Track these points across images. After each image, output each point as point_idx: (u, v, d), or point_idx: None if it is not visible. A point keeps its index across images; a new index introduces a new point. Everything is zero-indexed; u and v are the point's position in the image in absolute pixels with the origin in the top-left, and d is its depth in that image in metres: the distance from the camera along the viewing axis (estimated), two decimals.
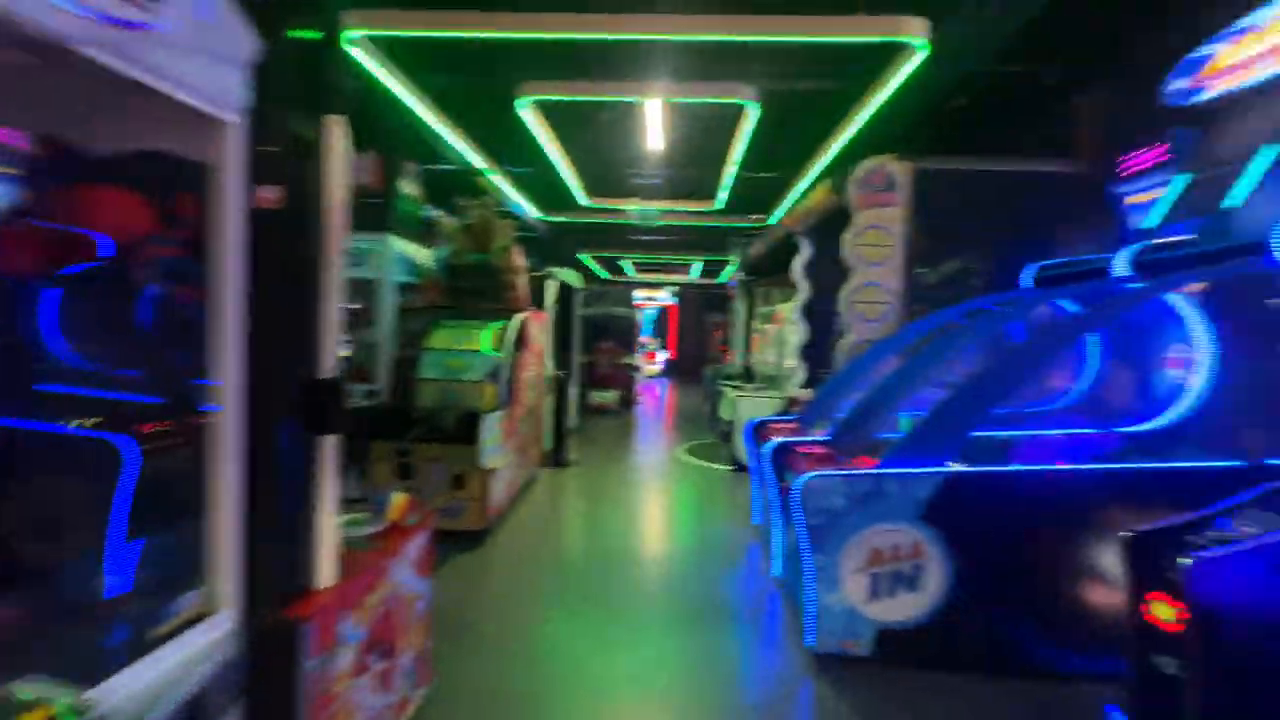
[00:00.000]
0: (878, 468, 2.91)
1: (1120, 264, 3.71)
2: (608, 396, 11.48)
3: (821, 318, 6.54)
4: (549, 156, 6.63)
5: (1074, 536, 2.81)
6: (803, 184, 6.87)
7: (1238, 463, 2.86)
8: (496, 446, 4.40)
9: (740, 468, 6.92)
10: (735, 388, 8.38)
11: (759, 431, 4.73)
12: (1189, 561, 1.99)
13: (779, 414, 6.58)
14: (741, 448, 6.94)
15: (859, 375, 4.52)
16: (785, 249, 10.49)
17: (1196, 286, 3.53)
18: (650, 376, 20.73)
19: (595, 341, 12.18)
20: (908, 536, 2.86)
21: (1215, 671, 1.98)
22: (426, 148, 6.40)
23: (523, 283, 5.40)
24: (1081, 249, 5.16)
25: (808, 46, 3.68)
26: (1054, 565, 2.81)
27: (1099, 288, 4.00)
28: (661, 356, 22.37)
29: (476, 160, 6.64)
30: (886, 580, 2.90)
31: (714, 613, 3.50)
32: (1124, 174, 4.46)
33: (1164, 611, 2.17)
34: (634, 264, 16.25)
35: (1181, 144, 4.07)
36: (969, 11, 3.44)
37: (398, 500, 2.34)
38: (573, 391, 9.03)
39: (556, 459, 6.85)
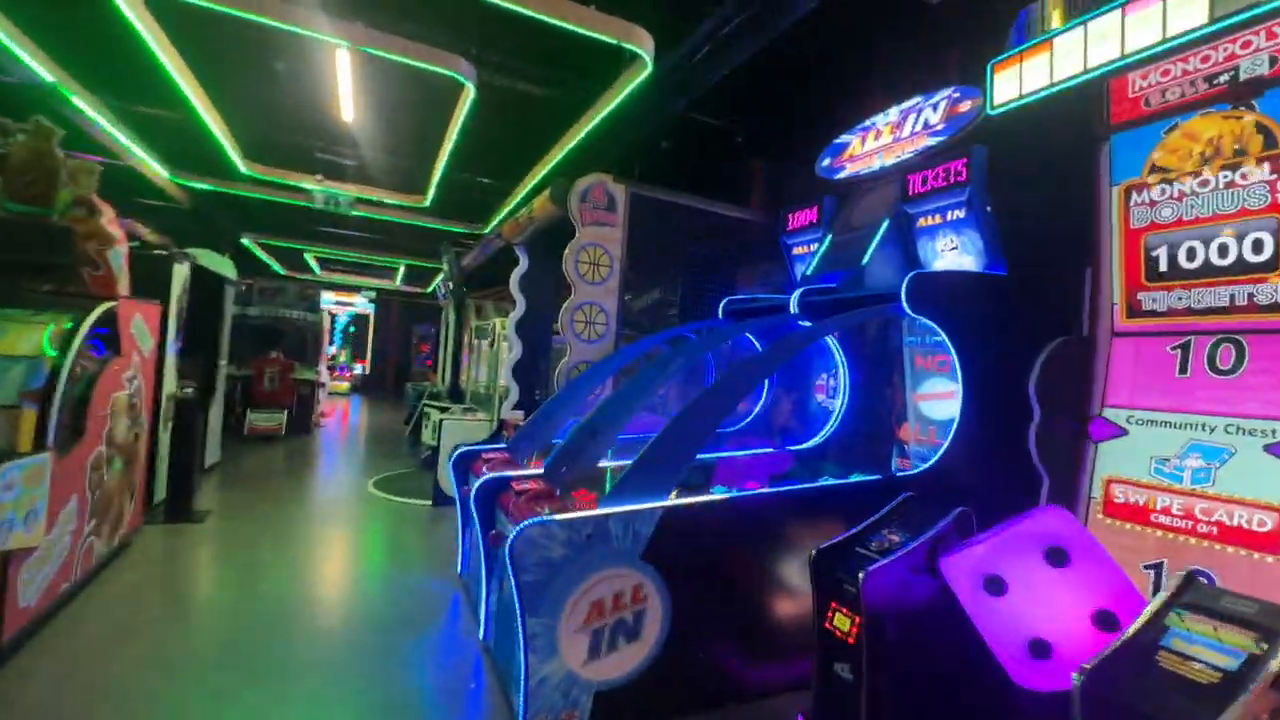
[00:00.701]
0: (602, 504, 2.56)
1: (793, 304, 4.23)
2: (274, 419, 9.16)
3: (537, 335, 6.21)
4: (181, 91, 4.81)
5: (768, 557, 2.91)
6: (522, 192, 6.49)
7: (877, 475, 3.38)
8: (25, 513, 2.73)
9: (444, 500, 6.05)
10: (441, 409, 7.47)
11: (466, 462, 4.05)
12: (862, 575, 2.12)
13: (489, 439, 5.98)
14: (446, 479, 6.09)
15: (576, 399, 4.25)
16: (502, 260, 10.03)
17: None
18: (339, 393, 17.83)
19: (260, 350, 9.69)
20: (629, 580, 2.57)
21: (880, 669, 2.14)
22: None
23: (114, 257, 3.66)
24: (761, 286, 5.97)
25: (534, 31, 3.27)
26: (755, 588, 2.86)
27: (776, 323, 4.55)
28: (355, 371, 19.49)
29: (43, 71, 4.43)
30: (608, 634, 2.54)
31: (403, 702, 2.67)
32: (790, 228, 5.27)
33: (842, 622, 2.29)
34: (318, 260, 13.68)
35: (827, 209, 4.92)
36: (692, 42, 3.49)
37: None
38: (215, 415, 6.84)
39: (175, 511, 4.91)
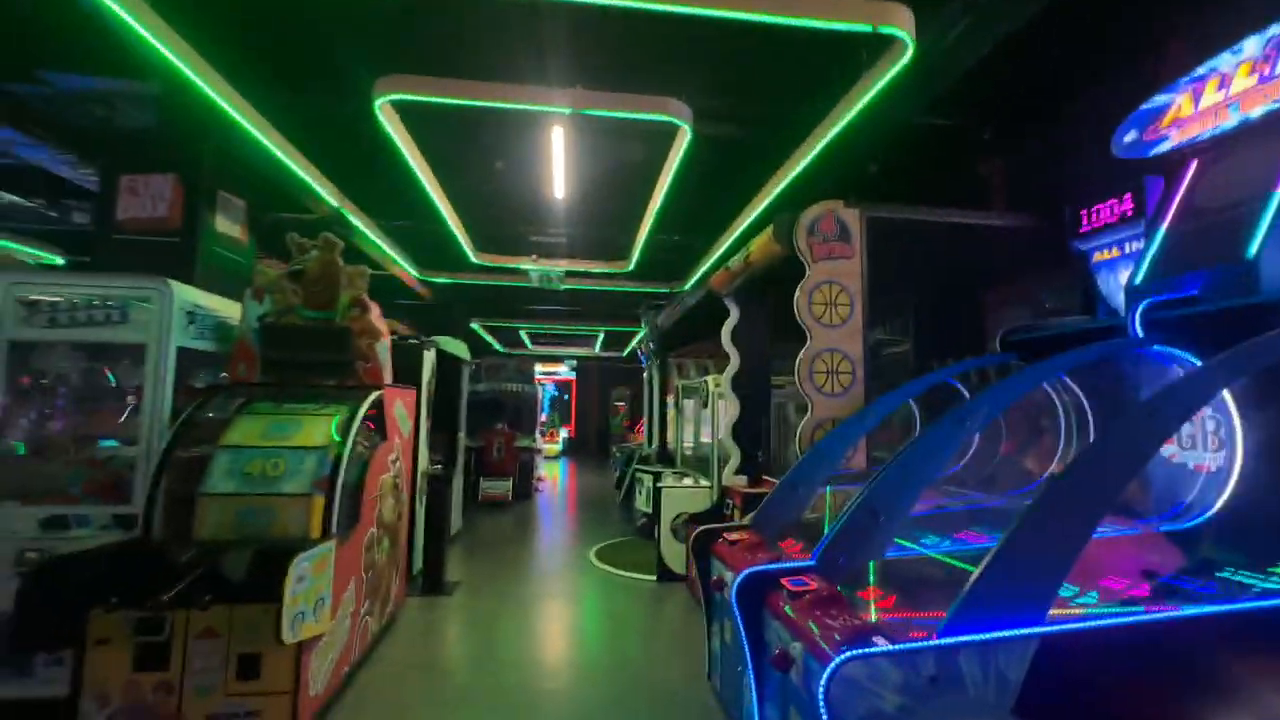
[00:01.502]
0: (943, 633, 1.80)
1: (1136, 325, 3.08)
2: (501, 487, 9.81)
3: (754, 390, 5.66)
4: (429, 195, 5.39)
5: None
6: (727, 243, 6.16)
7: None
8: (314, 601, 2.81)
9: (668, 575, 5.62)
10: (654, 474, 7.21)
11: (704, 542, 3.54)
12: None
13: (713, 509, 5.47)
14: (669, 551, 5.68)
15: (825, 464, 3.54)
16: (701, 316, 9.83)
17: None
18: (550, 457, 19.08)
19: (487, 423, 10.59)
20: None
21: None
22: (272, 186, 4.97)
23: (381, 350, 3.98)
24: (1019, 310, 4.74)
25: (762, 45, 2.89)
26: None
27: (1092, 355, 3.39)
28: (561, 435, 20.82)
29: (330, 199, 5.26)
30: None
31: None
32: (1086, 228, 4.08)
33: None
34: (530, 335, 14.98)
35: (1150, 194, 3.69)
36: (948, 13, 2.81)
37: None
38: (457, 486, 7.38)
39: (430, 584, 5.16)
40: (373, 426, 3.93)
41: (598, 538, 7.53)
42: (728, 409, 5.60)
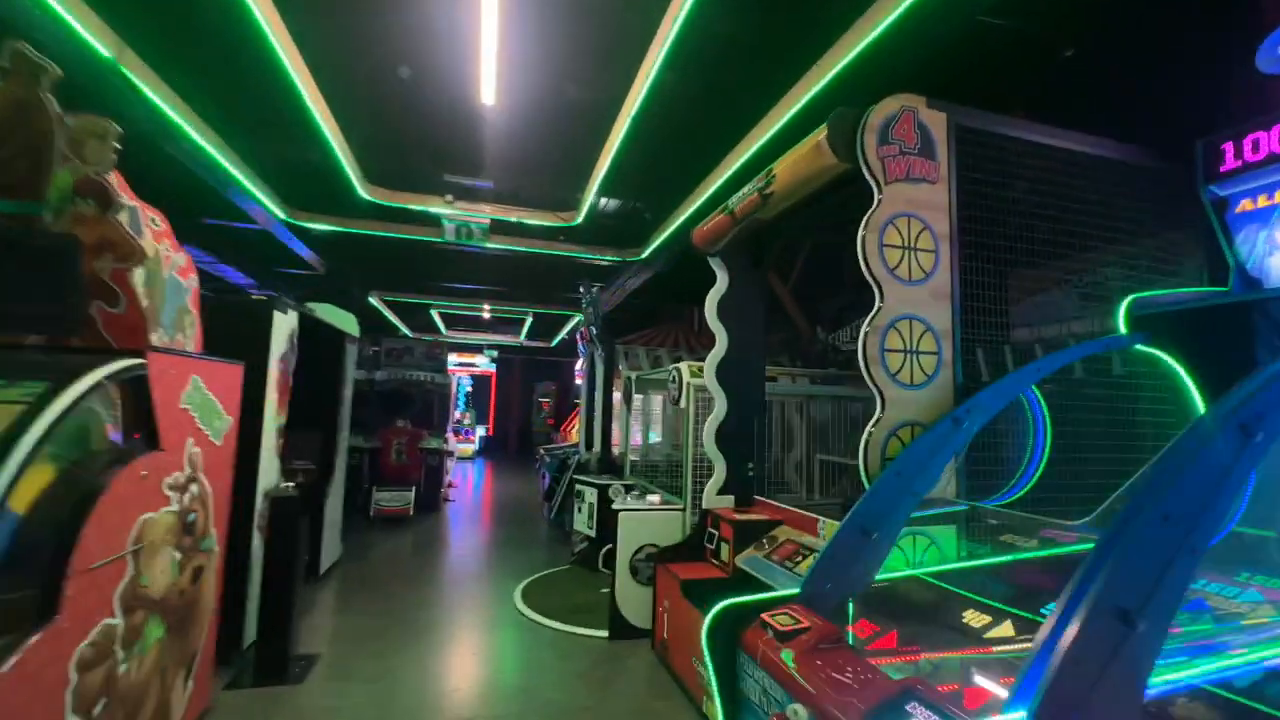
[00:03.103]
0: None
1: None
2: (401, 499, 7.89)
3: (745, 383, 4.28)
4: (298, 92, 3.56)
5: None
6: (714, 186, 4.72)
7: None
8: None
9: (626, 630, 4.12)
10: (599, 487, 5.68)
11: (732, 627, 2.07)
12: None
13: (690, 539, 3.97)
14: (628, 597, 4.17)
15: (910, 493, 2.18)
16: (649, 294, 8.37)
17: None
18: (464, 458, 17.01)
19: (386, 420, 8.61)
20: None
21: None
22: None
23: (146, 282, 2.19)
24: (1120, 273, 3.53)
25: None
26: None
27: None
28: (479, 434, 18.74)
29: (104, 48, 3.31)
30: None
31: None
32: (1227, 167, 3.01)
33: None
34: (443, 317, 12.89)
35: None
36: None
37: None
38: (334, 504, 5.49)
39: (265, 665, 3.35)
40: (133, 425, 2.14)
41: (524, 567, 5.88)
42: (714, 407, 4.18)
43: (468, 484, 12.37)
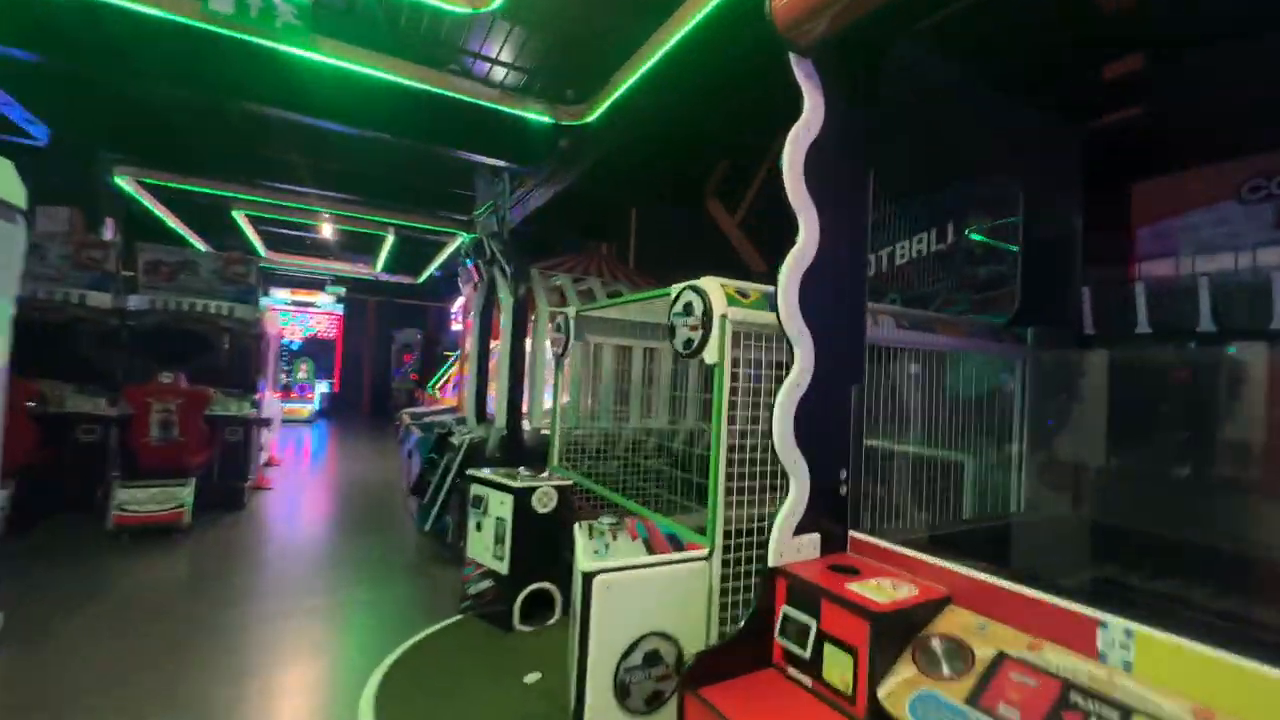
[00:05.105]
0: None
1: None
2: (166, 499, 4.91)
3: (839, 317, 2.20)
4: None
5: None
6: None
7: None
8: None
9: None
10: (515, 491, 3.35)
11: None
12: None
13: (746, 632, 1.82)
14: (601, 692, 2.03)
15: None
16: (574, 201, 6.08)
17: None
18: (302, 420, 13.46)
19: (143, 372, 5.43)
20: None
21: None
22: None
23: None
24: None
25: None
26: None
27: None
28: (320, 390, 15.03)
29: None
30: None
31: None
32: None
33: None
34: (253, 223, 9.14)
35: None
36: None
37: None
38: None
39: None
40: None
41: (382, 625, 3.47)
42: (796, 361, 2.08)
43: (302, 458, 9.20)
